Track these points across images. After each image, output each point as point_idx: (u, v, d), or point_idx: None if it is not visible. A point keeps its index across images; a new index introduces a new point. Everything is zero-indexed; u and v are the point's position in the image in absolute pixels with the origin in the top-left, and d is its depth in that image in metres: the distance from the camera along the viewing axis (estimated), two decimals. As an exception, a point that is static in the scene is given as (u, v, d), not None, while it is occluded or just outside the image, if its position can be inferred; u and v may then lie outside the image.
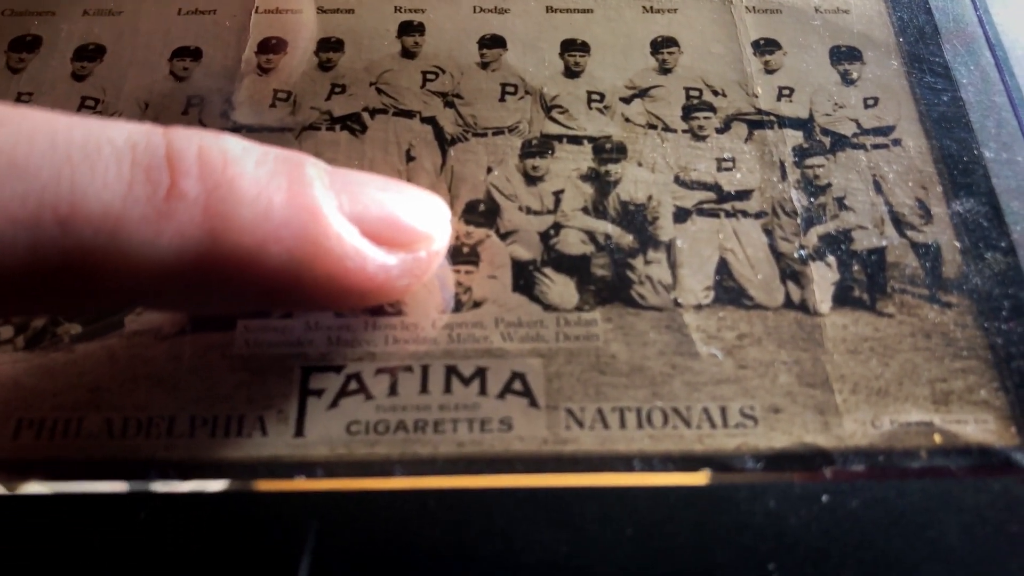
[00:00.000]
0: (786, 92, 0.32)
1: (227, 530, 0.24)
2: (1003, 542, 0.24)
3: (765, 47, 0.33)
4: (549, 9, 0.34)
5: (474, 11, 0.34)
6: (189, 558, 0.23)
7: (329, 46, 0.33)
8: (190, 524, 0.24)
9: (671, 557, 0.24)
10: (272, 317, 0.27)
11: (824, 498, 0.24)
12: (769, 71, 0.33)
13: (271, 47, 0.33)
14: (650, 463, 0.25)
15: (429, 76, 0.33)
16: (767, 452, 0.25)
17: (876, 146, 0.31)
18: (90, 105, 0.32)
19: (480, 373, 0.27)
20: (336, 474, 0.25)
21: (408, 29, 0.34)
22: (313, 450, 0.25)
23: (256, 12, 0.34)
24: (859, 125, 0.32)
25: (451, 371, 0.27)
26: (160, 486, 0.25)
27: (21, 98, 0.32)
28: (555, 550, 0.24)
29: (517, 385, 0.26)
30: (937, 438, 0.26)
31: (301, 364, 0.27)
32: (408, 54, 0.33)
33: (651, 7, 0.34)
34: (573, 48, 0.33)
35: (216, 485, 0.25)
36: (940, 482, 0.25)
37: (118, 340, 0.27)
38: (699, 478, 0.25)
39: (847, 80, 0.33)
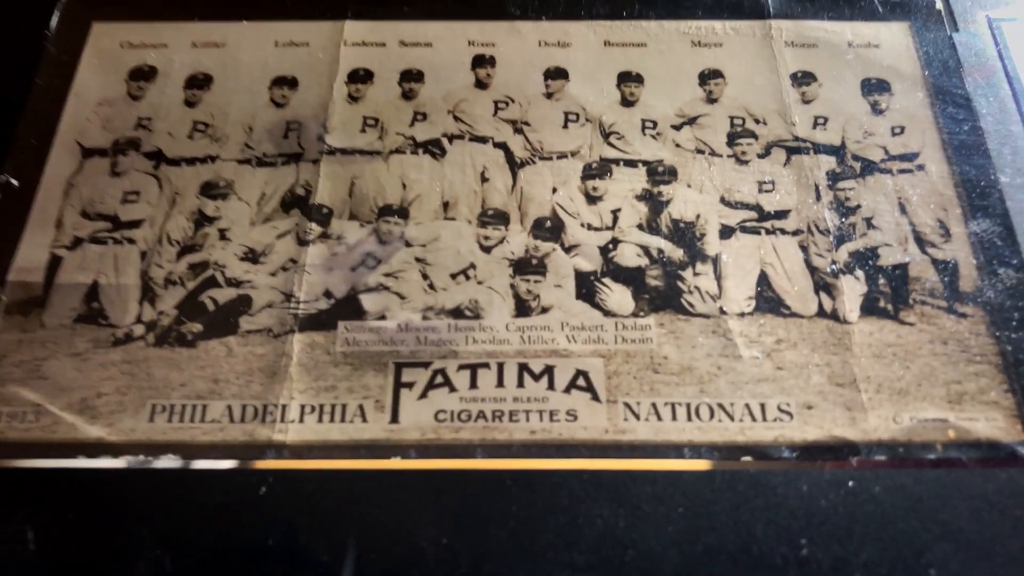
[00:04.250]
0: (821, 121, 0.36)
1: (334, 500, 0.28)
2: (1008, 525, 0.28)
3: (802, 79, 0.37)
4: (607, 43, 0.38)
5: (539, 45, 0.38)
6: (300, 525, 0.27)
7: (411, 77, 0.37)
8: (306, 498, 0.28)
9: (715, 532, 0.27)
10: (368, 319, 0.31)
11: (850, 484, 0.28)
12: (806, 101, 0.36)
13: (359, 77, 0.37)
14: (698, 451, 0.29)
15: (500, 105, 0.36)
16: (801, 443, 0.29)
17: (902, 171, 0.35)
18: (201, 129, 0.36)
19: (548, 370, 0.30)
20: (427, 455, 0.29)
21: (481, 62, 0.37)
22: (406, 435, 0.29)
23: (345, 45, 0.38)
24: (887, 151, 0.35)
25: (523, 368, 0.30)
26: (275, 464, 0.29)
27: (141, 123, 0.36)
28: (615, 524, 0.28)
29: (581, 381, 0.30)
30: (951, 433, 0.29)
31: (394, 360, 0.31)
32: (481, 85, 0.37)
33: (699, 41, 0.38)
34: (628, 79, 0.37)
35: (323, 464, 0.29)
36: (953, 472, 0.29)
37: (235, 338, 0.31)
38: (741, 465, 0.29)
39: (876, 110, 0.36)
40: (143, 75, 0.38)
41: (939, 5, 0.39)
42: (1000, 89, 0.37)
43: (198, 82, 0.37)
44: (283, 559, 0.27)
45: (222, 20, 0.39)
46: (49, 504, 0.28)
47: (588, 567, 0.27)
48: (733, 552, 0.27)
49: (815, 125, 0.36)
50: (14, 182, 0.34)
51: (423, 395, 0.30)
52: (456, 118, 0.36)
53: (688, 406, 0.30)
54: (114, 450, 0.29)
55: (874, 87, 0.37)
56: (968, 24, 0.38)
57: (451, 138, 0.36)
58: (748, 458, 0.29)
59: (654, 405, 0.30)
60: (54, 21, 0.39)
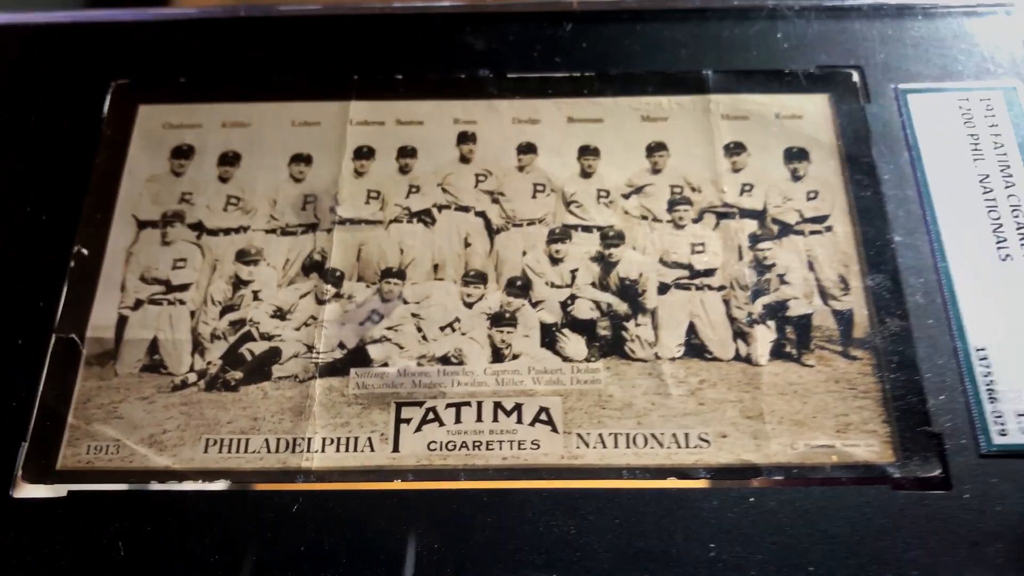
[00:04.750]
0: (747, 188, 0.43)
1: (350, 515, 0.36)
2: (873, 530, 0.35)
3: (734, 149, 0.44)
4: (570, 119, 0.45)
5: (513, 121, 0.45)
6: (325, 535, 0.35)
7: (406, 153, 0.44)
8: (328, 513, 0.36)
9: (644, 538, 0.35)
10: (374, 366, 0.39)
11: (751, 499, 0.36)
12: (736, 170, 0.43)
13: (363, 154, 0.44)
14: (634, 473, 0.37)
15: (480, 177, 0.44)
16: (715, 466, 0.37)
17: (813, 232, 0.42)
18: (233, 203, 0.44)
19: (518, 407, 0.38)
20: (421, 479, 0.37)
21: (464, 139, 0.45)
22: (405, 461, 0.37)
23: (351, 124, 0.45)
24: (801, 215, 0.42)
25: (497, 406, 0.38)
26: (304, 486, 0.37)
27: (184, 197, 0.44)
28: (567, 532, 0.36)
29: (543, 416, 0.38)
30: (835, 457, 0.37)
31: (395, 400, 0.39)
32: (464, 159, 0.44)
33: (648, 116, 0.45)
34: (587, 153, 0.44)
35: (341, 486, 0.37)
36: (834, 488, 0.36)
37: (269, 384, 0.39)
38: (667, 484, 0.37)
39: (795, 177, 0.43)
40: (183, 153, 0.45)
41: (855, 78, 0.46)
42: (901, 156, 0.43)
43: (229, 159, 0.45)
44: (312, 561, 0.35)
45: (246, 101, 0.46)
46: (129, 520, 0.36)
47: (546, 565, 0.35)
48: (657, 554, 0.35)
49: (742, 192, 0.43)
50: (85, 251, 0.42)
51: (418, 429, 0.38)
52: (444, 190, 0.44)
53: (628, 436, 0.38)
54: (178, 476, 0.37)
55: (795, 156, 0.44)
56: (879, 96, 0.45)
57: (440, 208, 0.43)
58: (673, 478, 0.37)
59: (600, 435, 0.38)
60: (106, 106, 0.46)
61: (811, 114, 0.45)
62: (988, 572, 0.34)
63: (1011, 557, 0.35)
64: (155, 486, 0.37)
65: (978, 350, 0.38)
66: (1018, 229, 0.41)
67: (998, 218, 0.41)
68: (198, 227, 0.43)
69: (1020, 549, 0.35)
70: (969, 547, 0.35)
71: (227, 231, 0.43)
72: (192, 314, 0.41)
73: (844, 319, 0.40)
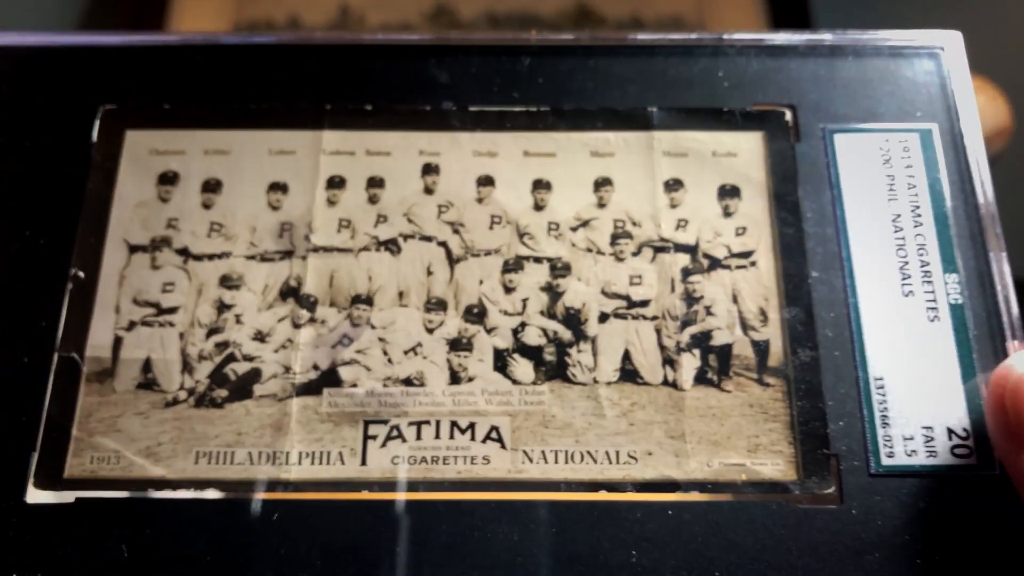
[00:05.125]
0: (682, 223, 0.48)
1: (324, 522, 0.42)
2: (773, 540, 0.41)
3: (673, 186, 0.48)
4: (526, 153, 0.49)
5: (474, 154, 0.49)
6: (306, 542, 0.41)
7: (375, 183, 0.49)
8: (304, 520, 0.42)
9: (576, 544, 0.41)
10: (344, 386, 0.44)
11: (670, 512, 0.42)
12: (673, 206, 0.48)
13: (335, 184, 0.49)
14: (571, 486, 0.42)
15: (443, 208, 0.48)
16: (641, 481, 0.42)
17: (739, 266, 0.47)
18: (216, 229, 0.48)
19: (471, 426, 0.44)
20: (385, 490, 0.42)
21: (428, 170, 0.49)
22: (371, 474, 0.43)
23: (324, 153, 0.49)
24: (729, 250, 0.47)
25: (454, 424, 0.44)
26: (284, 495, 0.42)
27: (170, 223, 0.48)
28: (511, 538, 0.41)
29: (494, 434, 0.43)
30: (744, 475, 0.43)
31: (363, 419, 0.44)
32: (428, 191, 0.48)
33: (596, 151, 0.49)
34: (540, 187, 0.48)
35: (315, 496, 0.42)
36: (743, 503, 0.42)
37: (251, 401, 0.44)
38: (598, 496, 0.42)
39: (727, 213, 0.48)
40: (168, 180, 0.49)
41: (788, 117, 0.50)
42: (823, 195, 0.48)
43: (211, 186, 0.49)
44: (291, 563, 0.41)
45: (226, 128, 0.50)
46: (130, 524, 0.42)
47: (492, 567, 0.41)
48: (587, 559, 0.41)
49: (677, 227, 0.47)
50: (81, 274, 0.47)
51: (383, 445, 0.43)
52: (409, 220, 0.48)
53: (567, 452, 0.43)
54: (172, 485, 0.43)
55: (727, 192, 0.48)
56: (808, 135, 0.49)
57: (405, 237, 0.48)
58: (603, 491, 0.42)
59: (543, 452, 0.43)
60: (95, 131, 0.50)
61: (745, 152, 0.49)
62: (867, 577, 0.40)
63: (887, 564, 0.41)
64: (153, 494, 0.42)
65: (876, 379, 0.44)
66: (922, 267, 0.46)
67: (905, 256, 0.46)
68: (184, 252, 0.47)
69: (895, 558, 0.41)
70: (853, 556, 0.41)
71: (211, 256, 0.47)
72: (181, 336, 0.46)
73: (761, 349, 0.45)
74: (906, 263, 0.46)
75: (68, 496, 0.42)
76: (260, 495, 0.42)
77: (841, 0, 0.88)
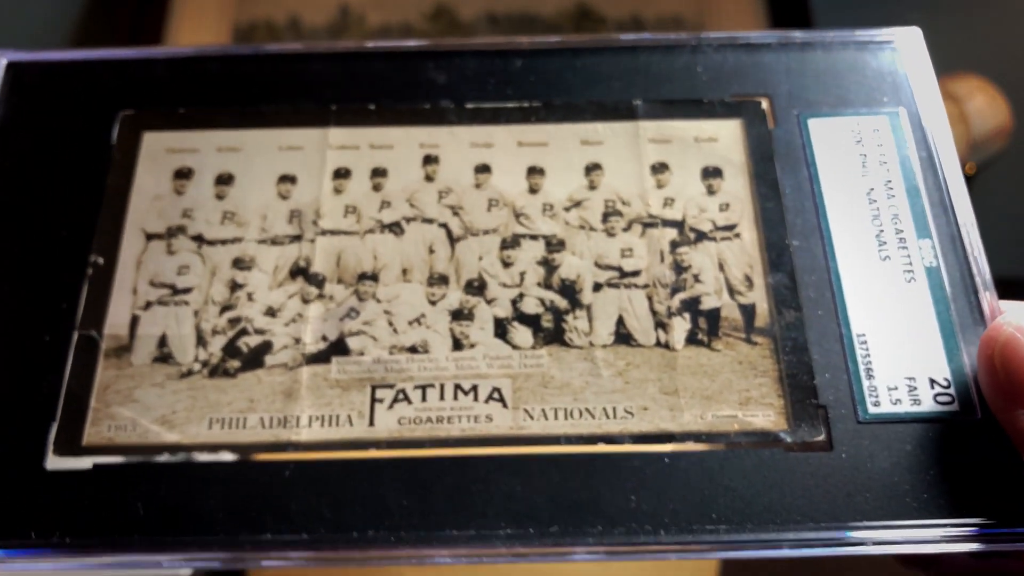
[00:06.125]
0: (669, 202, 0.50)
1: (333, 479, 0.43)
2: (766, 485, 0.43)
3: (659, 169, 0.51)
4: (519, 143, 0.52)
5: (471, 146, 0.52)
6: (316, 498, 0.42)
7: (378, 173, 0.52)
8: (314, 478, 0.43)
9: (577, 492, 0.43)
10: (352, 355, 0.46)
11: (666, 460, 0.43)
12: (659, 187, 0.51)
13: (341, 175, 0.52)
14: (571, 440, 0.44)
15: (442, 194, 0.51)
16: (637, 433, 0.44)
17: (724, 238, 0.49)
18: (229, 217, 0.51)
19: (474, 388, 0.45)
20: (392, 447, 0.44)
21: (428, 160, 0.52)
22: (379, 434, 0.44)
23: (330, 148, 0.52)
24: (714, 224, 0.50)
25: (457, 387, 0.46)
26: (295, 456, 0.44)
27: (185, 213, 0.51)
28: (514, 489, 0.43)
29: (496, 395, 0.45)
30: (737, 425, 0.44)
31: (371, 383, 0.46)
32: (429, 179, 0.51)
33: (586, 140, 0.52)
34: (534, 172, 0.51)
35: (325, 455, 0.44)
36: (736, 451, 0.44)
37: (263, 371, 0.46)
38: (597, 448, 0.44)
39: (710, 192, 0.51)
40: (183, 175, 0.52)
41: (764, 106, 0.53)
42: (800, 173, 0.51)
43: (224, 180, 0.52)
44: (302, 517, 0.42)
45: (238, 128, 0.53)
46: (146, 486, 0.43)
47: (496, 515, 0.42)
48: (587, 505, 0.42)
49: (664, 205, 0.50)
50: (100, 261, 0.49)
51: (390, 407, 0.45)
52: (411, 205, 0.51)
53: (566, 410, 0.45)
54: (187, 449, 0.44)
55: (710, 173, 0.51)
56: (784, 121, 0.53)
57: (408, 220, 0.50)
58: (602, 444, 0.44)
59: (543, 410, 0.45)
60: (115, 133, 0.53)
61: (725, 137, 0.52)
62: (858, 517, 0.42)
63: (878, 504, 0.42)
64: (167, 457, 0.44)
65: (858, 335, 0.46)
66: (897, 234, 0.49)
67: (880, 225, 0.49)
68: (199, 239, 0.50)
69: (885, 498, 0.42)
70: (845, 497, 0.42)
71: (224, 242, 0.50)
72: (195, 313, 0.48)
73: (747, 311, 0.47)
74: (881, 231, 0.49)
75: (86, 462, 0.44)
76: (271, 455, 0.44)
77: (842, 3, 0.90)
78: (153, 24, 0.89)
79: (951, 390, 0.45)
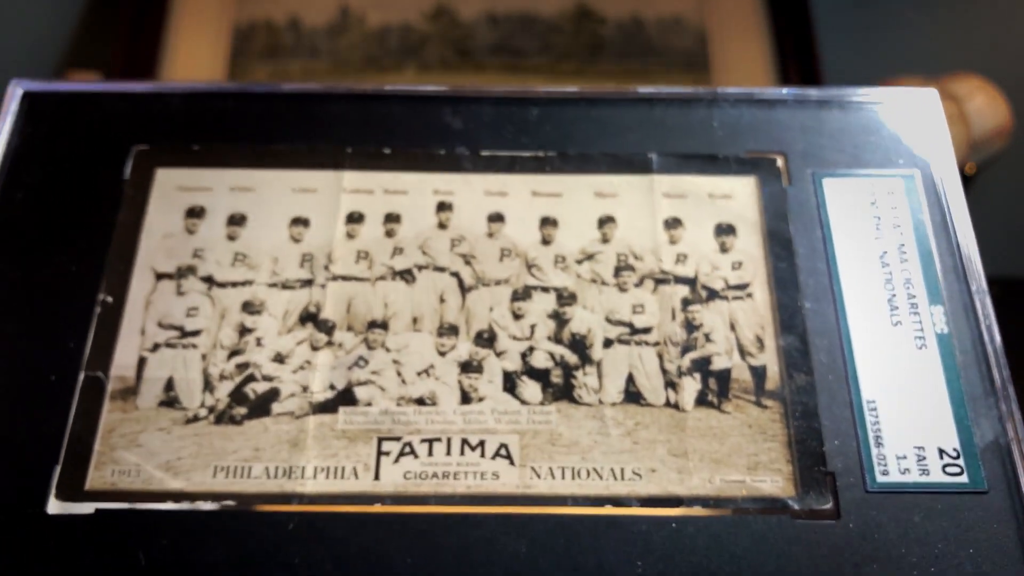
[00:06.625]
0: (682, 258, 0.50)
1: (337, 533, 0.43)
2: (774, 553, 0.42)
3: (672, 224, 0.51)
4: (534, 193, 0.52)
5: (485, 194, 0.52)
6: (320, 553, 0.42)
7: (392, 219, 0.51)
8: (318, 532, 0.43)
9: (583, 555, 0.42)
10: (359, 405, 0.46)
11: (673, 525, 0.43)
12: (672, 242, 0.51)
13: (354, 219, 0.51)
14: (577, 501, 0.44)
15: (455, 242, 0.51)
16: (645, 496, 0.44)
17: (735, 297, 0.49)
18: (240, 259, 0.50)
19: (481, 443, 0.45)
20: (398, 503, 0.44)
21: (442, 208, 0.52)
22: (384, 488, 0.44)
23: (344, 191, 0.52)
24: (727, 283, 0.50)
25: (464, 442, 0.45)
26: (299, 508, 0.44)
27: (196, 253, 0.50)
28: (519, 549, 0.42)
29: (503, 451, 0.45)
30: (745, 491, 0.44)
31: (377, 436, 0.45)
32: (442, 226, 0.51)
33: (600, 192, 0.52)
34: (547, 224, 0.51)
35: (330, 508, 0.44)
36: (743, 517, 0.43)
37: (269, 419, 0.46)
38: (604, 511, 0.44)
39: (723, 249, 0.51)
40: (195, 214, 0.52)
41: (780, 163, 0.53)
42: (814, 233, 0.51)
43: (236, 220, 0.51)
44: (305, 571, 0.42)
45: (251, 168, 0.53)
46: (149, 534, 0.43)
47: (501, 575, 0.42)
48: (592, 570, 0.42)
49: (677, 261, 0.50)
50: (109, 299, 0.49)
51: (396, 460, 0.45)
52: (424, 252, 0.51)
53: (573, 469, 0.45)
54: (191, 497, 0.44)
55: (724, 231, 0.51)
56: (799, 179, 0.53)
57: (420, 268, 0.50)
58: (609, 506, 0.44)
59: (551, 468, 0.45)
60: (128, 168, 0.53)
61: (740, 194, 0.52)
62: (866, 589, 0.42)
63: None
64: (171, 505, 0.44)
65: (868, 402, 0.46)
66: (909, 299, 0.49)
67: (892, 289, 0.49)
68: (209, 280, 0.50)
69: (892, 570, 0.42)
70: (852, 568, 0.42)
71: (234, 284, 0.49)
72: (203, 357, 0.47)
73: (758, 373, 0.47)
74: (894, 295, 0.49)
75: (88, 507, 0.43)
76: (275, 507, 0.44)
77: (841, 1, 0.89)
78: (153, 24, 0.88)
79: (960, 461, 0.45)
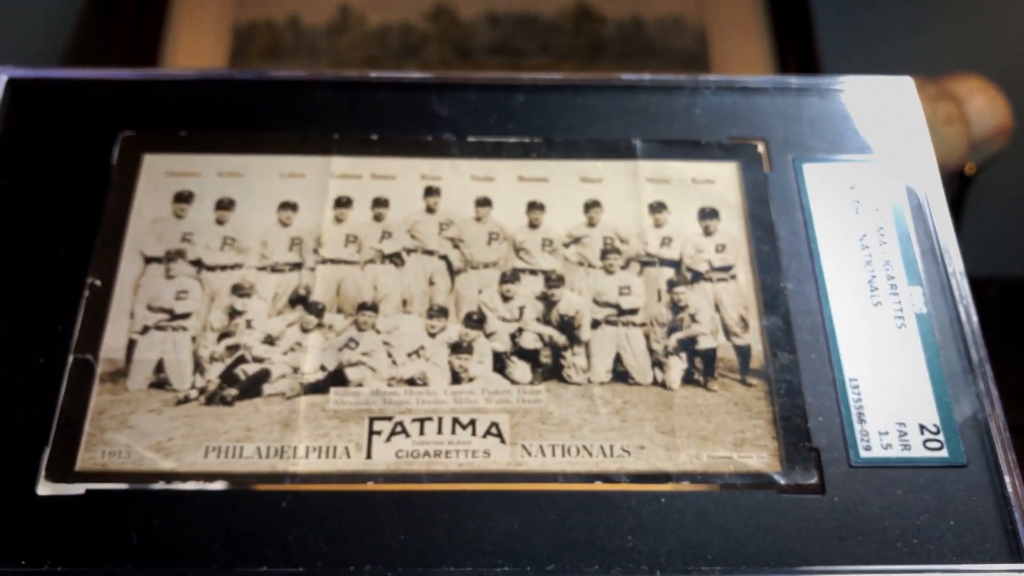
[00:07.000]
0: (667, 241, 0.51)
1: (330, 512, 0.43)
2: (760, 527, 0.43)
3: (656, 208, 0.52)
4: (520, 178, 0.53)
5: (472, 179, 0.53)
6: (313, 530, 0.42)
7: (380, 203, 0.52)
8: (311, 510, 0.43)
9: (574, 531, 0.43)
10: (350, 386, 0.46)
11: (663, 500, 0.44)
12: (657, 226, 0.52)
13: (343, 204, 0.52)
14: (568, 477, 0.44)
15: (443, 226, 0.51)
16: (634, 472, 0.45)
17: (719, 279, 0.50)
18: (229, 243, 0.51)
19: (472, 422, 0.46)
20: (390, 481, 0.44)
21: (430, 192, 0.52)
22: (376, 467, 0.44)
23: (332, 177, 0.52)
24: (711, 265, 0.51)
25: (455, 421, 0.46)
26: (291, 487, 0.44)
27: (185, 237, 0.51)
28: (511, 525, 0.43)
29: (494, 430, 0.45)
30: (732, 467, 0.45)
31: (369, 416, 0.46)
32: (430, 210, 0.52)
33: (586, 177, 0.53)
34: (534, 208, 0.52)
35: (322, 487, 0.44)
36: (730, 492, 0.44)
37: (260, 400, 0.46)
38: (594, 487, 0.44)
39: (707, 232, 0.52)
40: (184, 199, 0.52)
41: (761, 149, 0.54)
42: (795, 217, 0.52)
43: (224, 205, 0.52)
44: (297, 550, 0.42)
45: (240, 154, 0.53)
46: (139, 514, 0.43)
47: (493, 554, 0.42)
48: (584, 544, 0.42)
49: (662, 244, 0.51)
50: (98, 283, 0.49)
51: (388, 440, 0.45)
52: (412, 236, 0.51)
53: (563, 447, 0.45)
54: (182, 477, 0.44)
55: (707, 215, 0.52)
56: (779, 165, 0.54)
57: (408, 252, 0.51)
58: (599, 482, 0.44)
59: (541, 446, 0.45)
60: (115, 154, 0.53)
61: (722, 179, 0.53)
62: (850, 560, 0.42)
63: (869, 549, 0.43)
64: (161, 485, 0.44)
65: (851, 380, 0.47)
66: (888, 280, 0.50)
67: (872, 270, 0.50)
68: (198, 264, 0.50)
69: (876, 542, 0.43)
70: (837, 541, 0.43)
71: (223, 267, 0.50)
72: (193, 339, 0.48)
73: (743, 352, 0.48)
74: (873, 276, 0.50)
75: (79, 488, 0.43)
76: (268, 486, 0.44)
77: (841, 1, 0.91)
78: (153, 24, 0.88)
79: (940, 436, 0.46)
